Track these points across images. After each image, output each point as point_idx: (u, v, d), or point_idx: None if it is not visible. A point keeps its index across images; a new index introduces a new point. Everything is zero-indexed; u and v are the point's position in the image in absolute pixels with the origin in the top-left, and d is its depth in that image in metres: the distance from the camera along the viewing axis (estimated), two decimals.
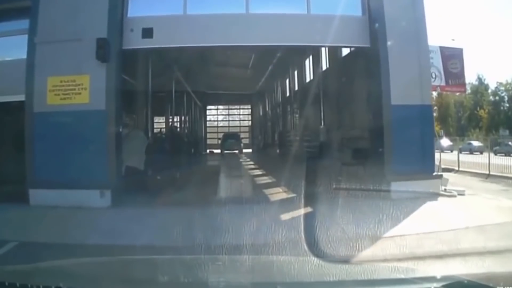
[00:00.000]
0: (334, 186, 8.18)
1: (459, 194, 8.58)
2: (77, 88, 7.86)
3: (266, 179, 12.58)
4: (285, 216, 6.25)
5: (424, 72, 8.56)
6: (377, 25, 8.44)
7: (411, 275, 2.22)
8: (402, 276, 2.20)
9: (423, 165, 8.25)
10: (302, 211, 6.29)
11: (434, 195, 8.13)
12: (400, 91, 8.19)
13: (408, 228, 5.81)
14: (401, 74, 8.20)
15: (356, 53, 11.30)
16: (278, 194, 8.92)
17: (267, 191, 9.43)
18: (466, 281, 1.86)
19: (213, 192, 9.57)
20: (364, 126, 10.36)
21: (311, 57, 18.88)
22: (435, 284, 1.81)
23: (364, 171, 9.41)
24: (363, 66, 10.08)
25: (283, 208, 6.83)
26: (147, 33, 8.41)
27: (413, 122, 8.23)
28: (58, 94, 7.91)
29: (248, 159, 24.19)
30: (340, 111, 13.71)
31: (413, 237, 5.42)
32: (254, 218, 5.40)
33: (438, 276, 1.93)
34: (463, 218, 6.46)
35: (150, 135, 13.51)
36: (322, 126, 14.87)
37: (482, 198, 8.74)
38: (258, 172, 15.76)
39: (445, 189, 8.69)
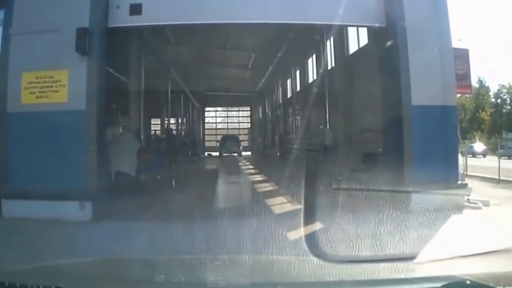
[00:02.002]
0: (343, 195, 7.33)
1: (484, 205, 7.76)
2: (55, 85, 6.97)
3: (268, 186, 11.70)
4: (292, 235, 5.36)
5: (447, 68, 7.60)
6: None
7: (411, 275, 2.23)
8: (402, 276, 2.21)
9: (446, 172, 7.36)
10: (311, 227, 5.43)
11: (459, 207, 7.26)
12: (421, 90, 7.29)
13: (439, 250, 4.91)
14: (422, 70, 7.29)
15: (369, 47, 10.41)
16: (282, 205, 8.03)
17: (269, 201, 8.56)
18: (466, 281, 1.84)
19: (210, 201, 8.74)
20: (377, 128, 9.45)
21: (314, 55, 18.09)
22: (435, 284, 1.80)
23: (376, 178, 8.53)
24: (375, 61, 9.13)
25: (289, 223, 5.94)
26: (135, 9, 7.44)
27: (436, 125, 7.37)
28: (34, 92, 7.03)
29: (248, 163, 23.31)
30: (348, 112, 12.82)
31: (447, 262, 4.56)
32: (255, 236, 4.53)
33: (439, 276, 1.95)
34: (499, 237, 5.57)
35: (142, 137, 12.70)
36: (327, 128, 13.94)
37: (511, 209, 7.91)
38: (258, 178, 14.88)
39: (468, 199, 7.85)
